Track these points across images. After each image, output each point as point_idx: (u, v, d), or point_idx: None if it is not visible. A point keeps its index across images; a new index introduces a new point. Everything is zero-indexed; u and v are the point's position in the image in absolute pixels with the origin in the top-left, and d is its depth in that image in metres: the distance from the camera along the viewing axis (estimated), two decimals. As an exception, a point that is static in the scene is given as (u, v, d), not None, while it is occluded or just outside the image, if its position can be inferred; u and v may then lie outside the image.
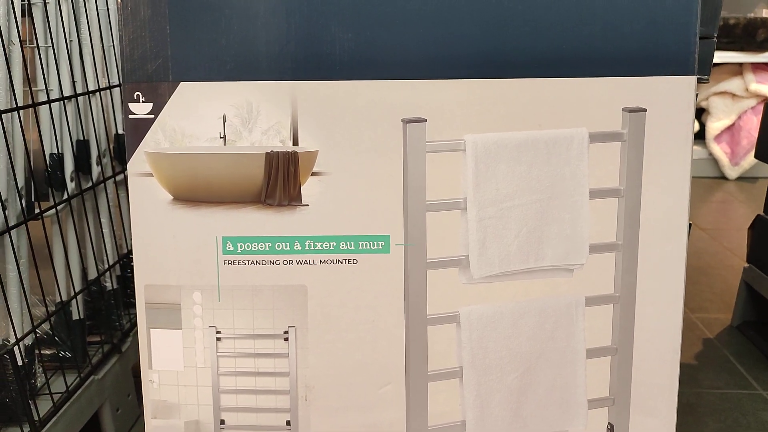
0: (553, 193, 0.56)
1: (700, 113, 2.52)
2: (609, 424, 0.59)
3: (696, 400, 1.01)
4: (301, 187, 0.55)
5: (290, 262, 0.56)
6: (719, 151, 2.44)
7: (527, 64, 0.54)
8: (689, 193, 0.56)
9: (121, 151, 0.98)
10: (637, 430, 0.58)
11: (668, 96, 0.54)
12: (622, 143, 0.55)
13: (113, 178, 0.97)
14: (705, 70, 0.62)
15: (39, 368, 0.81)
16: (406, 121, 0.54)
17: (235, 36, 0.54)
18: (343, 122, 0.54)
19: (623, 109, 0.54)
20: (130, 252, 1.02)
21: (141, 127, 0.55)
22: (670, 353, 0.58)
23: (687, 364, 1.11)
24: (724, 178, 2.45)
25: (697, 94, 0.57)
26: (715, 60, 2.30)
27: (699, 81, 0.58)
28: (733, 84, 2.39)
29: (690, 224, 0.59)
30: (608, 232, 0.57)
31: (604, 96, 0.54)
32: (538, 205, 0.56)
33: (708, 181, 2.42)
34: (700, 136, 2.48)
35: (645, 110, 0.54)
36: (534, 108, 0.54)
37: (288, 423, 0.58)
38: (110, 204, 0.96)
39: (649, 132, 0.55)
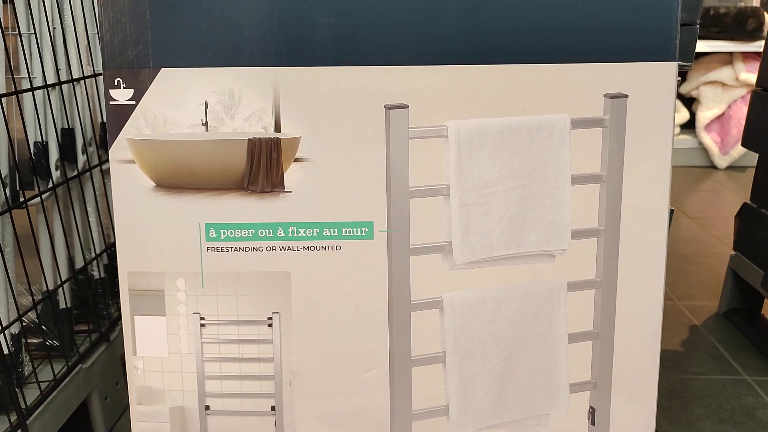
0: (535, 179, 0.56)
1: (691, 102, 2.52)
2: (591, 407, 0.60)
3: (681, 386, 1.02)
4: (284, 174, 0.55)
5: (273, 248, 0.56)
6: (709, 140, 2.45)
7: (510, 50, 0.54)
8: (670, 179, 0.56)
9: (106, 139, 0.98)
10: (618, 413, 0.59)
11: (650, 82, 0.55)
12: (604, 129, 0.55)
13: (99, 167, 0.96)
14: (687, 56, 0.62)
15: (26, 357, 0.81)
16: (389, 107, 0.54)
17: (217, 21, 0.53)
18: (326, 108, 0.54)
19: (605, 95, 0.55)
20: (117, 241, 1.01)
21: (122, 114, 0.54)
22: (651, 338, 0.58)
23: (673, 351, 1.12)
24: (713, 167, 2.46)
25: (681, 81, 0.57)
26: (706, 49, 2.31)
27: (681, 67, 0.58)
28: (724, 73, 2.39)
29: (672, 210, 0.59)
30: (590, 218, 0.57)
31: (586, 82, 0.54)
32: (520, 191, 0.56)
33: (697, 170, 2.43)
34: (690, 126, 2.49)
35: (626, 96, 0.55)
36: (517, 94, 0.55)
37: (273, 408, 0.58)
38: (96, 193, 0.96)
39: (631, 118, 0.55)
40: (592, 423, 0.59)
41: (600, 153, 0.56)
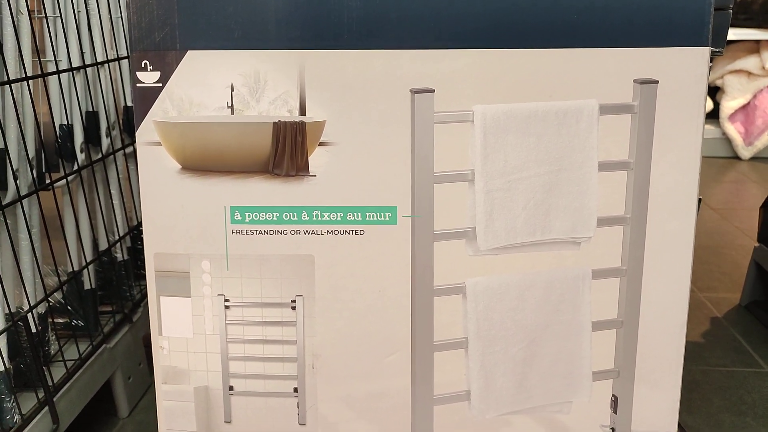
0: (561, 166, 0.55)
1: (715, 92, 2.48)
2: (613, 395, 0.59)
3: (702, 377, 1.01)
4: (309, 158, 0.55)
5: (298, 232, 0.56)
6: (733, 130, 2.41)
7: (538, 35, 0.53)
8: (699, 168, 0.55)
9: (130, 123, 0.99)
10: (641, 402, 0.59)
11: (681, 68, 0.54)
12: (633, 116, 0.54)
13: (122, 151, 0.97)
14: (719, 41, 0.61)
15: (52, 336, 0.82)
16: (414, 92, 0.54)
17: (243, 4, 0.53)
18: (351, 92, 0.54)
19: (634, 81, 0.54)
20: (140, 224, 1.03)
21: (149, 96, 0.55)
22: (676, 327, 0.58)
23: (694, 342, 1.11)
24: (737, 158, 2.42)
25: (710, 68, 0.56)
26: (732, 37, 2.26)
27: (713, 53, 0.57)
28: (750, 62, 2.34)
29: (700, 199, 0.58)
30: (617, 206, 0.56)
31: (615, 67, 0.54)
32: (546, 178, 0.55)
33: (721, 161, 2.39)
34: (713, 116, 2.45)
35: (657, 82, 0.54)
36: (544, 79, 0.54)
37: (295, 390, 0.59)
38: (120, 176, 0.97)
39: (661, 104, 0.54)
40: (615, 411, 0.59)
41: (628, 140, 0.55)
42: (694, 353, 1.07)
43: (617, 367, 0.59)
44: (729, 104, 2.40)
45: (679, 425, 0.66)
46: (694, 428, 0.88)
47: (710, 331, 1.15)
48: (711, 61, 0.55)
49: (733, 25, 2.24)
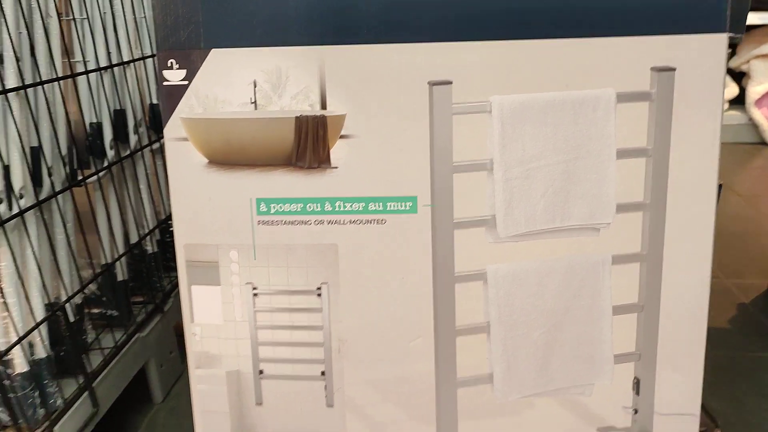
0: (579, 154, 0.56)
1: (741, 77, 2.42)
2: (635, 378, 0.60)
3: (728, 363, 1.01)
4: (330, 150, 0.57)
5: (321, 222, 0.58)
6: (760, 115, 2.36)
7: (554, 25, 0.54)
8: (719, 153, 0.56)
9: (155, 120, 1.01)
10: (663, 384, 0.60)
11: (699, 55, 0.54)
12: (651, 103, 0.55)
13: (149, 147, 1.00)
14: (738, 27, 0.60)
15: (89, 326, 0.86)
16: (432, 84, 0.55)
17: (264, 2, 0.55)
18: (371, 86, 0.55)
19: (652, 69, 0.54)
20: (168, 218, 1.06)
21: (175, 94, 0.57)
22: (697, 310, 0.58)
23: (721, 329, 1.10)
24: (764, 143, 2.37)
25: (731, 54, 0.56)
26: (757, 21, 2.21)
27: (732, 39, 0.57)
28: (777, 44, 2.29)
29: (720, 185, 0.58)
30: (636, 192, 0.57)
31: (632, 56, 0.54)
32: (564, 166, 0.56)
33: (747, 146, 2.35)
34: (739, 101, 2.40)
35: (674, 69, 0.54)
36: (561, 69, 0.54)
37: (323, 373, 0.61)
38: (147, 171, 1.00)
39: (679, 92, 0.54)
40: (637, 393, 0.60)
41: (646, 127, 0.55)
42: (720, 339, 1.07)
43: (639, 350, 0.60)
44: (755, 89, 2.35)
45: (704, 408, 0.66)
46: (719, 412, 0.88)
47: (736, 317, 1.15)
48: (730, 48, 0.55)
49: (759, 9, 2.19)
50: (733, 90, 2.41)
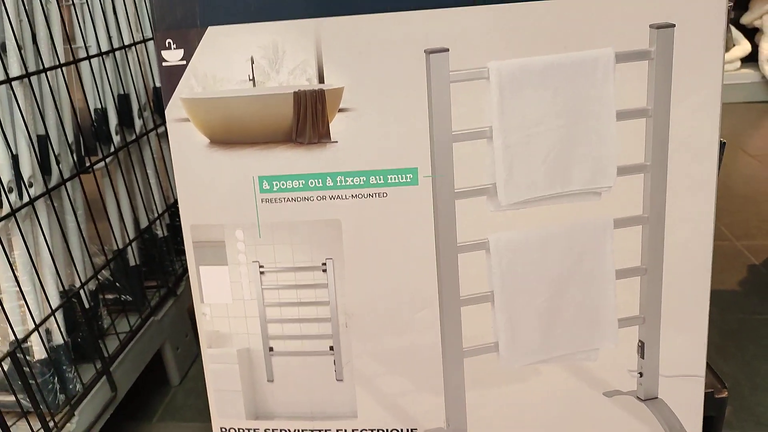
0: (579, 117, 0.56)
1: (753, 33, 2.37)
2: (640, 341, 0.60)
3: (738, 326, 1.00)
4: (330, 124, 0.57)
5: (324, 197, 0.58)
6: (774, 73, 2.30)
7: (550, -14, 0.53)
8: (720, 110, 0.55)
9: (159, 103, 1.02)
10: (668, 346, 0.60)
11: (698, 10, 0.53)
12: (650, 62, 0.54)
13: (155, 131, 1.00)
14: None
15: (104, 311, 0.88)
16: (429, 52, 0.54)
17: (257, -23, 0.54)
18: (367, 57, 0.55)
19: (650, 26, 0.53)
20: (177, 201, 1.07)
21: (174, 74, 0.57)
22: (700, 270, 0.58)
23: (731, 291, 1.10)
24: (778, 102, 2.32)
25: (745, 9, 0.55)
26: (770, -26, 2.14)
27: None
28: (790, 0, 2.22)
29: (723, 142, 0.58)
30: (637, 154, 0.56)
31: (630, 13, 0.53)
32: (564, 130, 0.56)
33: (761, 105, 2.30)
34: (752, 59, 2.34)
35: (673, 26, 0.53)
36: (559, 30, 0.54)
37: (331, 348, 0.62)
38: (154, 156, 1.01)
39: (678, 48, 0.53)
40: (642, 356, 0.60)
41: (646, 86, 0.55)
42: (730, 301, 1.06)
43: (643, 314, 0.60)
44: (768, 46, 2.29)
45: (711, 369, 0.66)
46: (729, 375, 0.88)
47: (747, 279, 1.14)
48: (741, 3, 0.54)
49: (771, -38, 2.12)
50: (745, 47, 2.35)
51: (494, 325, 0.59)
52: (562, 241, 0.58)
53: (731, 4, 0.54)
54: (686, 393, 0.61)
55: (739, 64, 2.38)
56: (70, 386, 0.76)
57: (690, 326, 0.59)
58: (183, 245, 1.05)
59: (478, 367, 0.61)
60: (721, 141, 0.55)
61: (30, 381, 0.70)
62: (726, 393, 0.66)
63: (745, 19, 2.33)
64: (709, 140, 0.55)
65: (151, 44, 1.00)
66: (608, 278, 0.59)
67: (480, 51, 0.54)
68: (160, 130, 1.02)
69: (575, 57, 0.54)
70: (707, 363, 0.61)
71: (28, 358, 0.72)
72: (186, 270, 1.06)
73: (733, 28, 2.31)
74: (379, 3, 0.54)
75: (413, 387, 0.62)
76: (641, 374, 0.61)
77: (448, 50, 0.54)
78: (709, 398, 0.62)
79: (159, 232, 1.01)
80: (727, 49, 2.27)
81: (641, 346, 0.60)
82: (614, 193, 0.57)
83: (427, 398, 0.62)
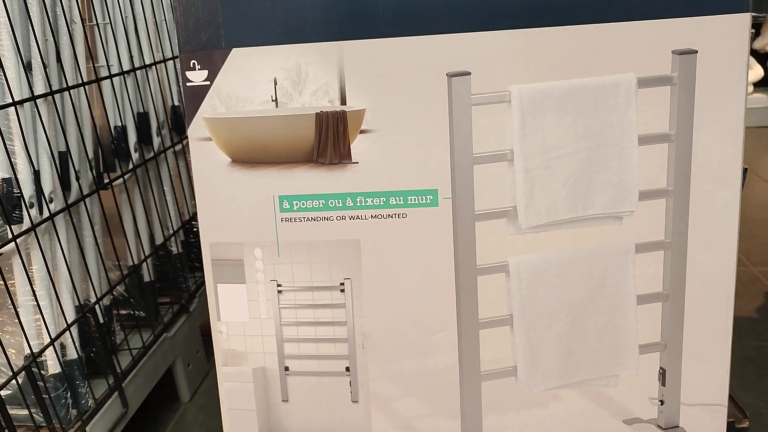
0: (600, 141, 0.56)
1: (766, 58, 2.37)
2: (661, 368, 0.59)
3: (756, 353, 0.99)
4: (351, 145, 0.57)
5: (343, 217, 0.58)
6: (786, 98, 2.30)
7: (571, 11, 0.54)
8: (743, 137, 0.55)
9: (178, 122, 1.03)
10: (690, 374, 0.59)
11: (721, 36, 0.53)
12: (672, 87, 0.54)
13: (172, 149, 1.01)
14: (762, 6, 0.59)
15: (117, 326, 0.88)
16: (451, 75, 0.55)
17: (282, 0, 0.55)
18: (389, 79, 0.55)
19: (673, 52, 0.53)
20: (192, 218, 1.07)
21: (198, 94, 0.58)
22: (723, 299, 0.57)
23: (748, 318, 1.08)
24: (791, 127, 2.32)
25: (755, 35, 0.55)
26: (783, 0, 2.15)
27: (755, 19, 0.56)
28: (803, 25, 2.23)
29: (745, 169, 0.57)
30: (659, 179, 0.56)
31: (652, 40, 0.53)
32: (585, 154, 0.56)
33: (774, 130, 2.29)
34: (765, 84, 2.35)
35: (696, 52, 0.53)
36: (580, 55, 0.54)
37: (347, 369, 0.61)
38: (171, 173, 1.01)
39: (701, 75, 0.54)
40: (663, 384, 0.59)
41: (668, 112, 0.55)
42: (748, 328, 1.05)
43: (664, 340, 0.59)
44: (781, 71, 2.29)
45: (732, 399, 0.65)
46: (748, 404, 0.87)
47: (764, 305, 1.12)
48: (754, 28, 0.54)
49: (784, -12, 2.13)
50: (758, 72, 2.35)
51: (513, 348, 0.59)
52: (583, 265, 0.57)
53: (753, 31, 0.55)
54: (708, 422, 0.60)
55: (752, 88, 2.38)
56: (83, 401, 0.76)
57: (712, 354, 0.58)
58: (197, 262, 1.06)
59: (496, 391, 0.60)
60: (743, 167, 0.55)
61: (43, 395, 0.70)
62: (747, 423, 0.65)
63: (757, 44, 2.33)
64: (731, 166, 0.55)
65: (170, 64, 1.02)
66: (629, 303, 0.58)
67: (501, 75, 0.55)
68: (178, 147, 1.03)
69: (596, 82, 0.54)
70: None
71: (42, 372, 0.72)
72: (199, 287, 1.06)
73: (745, 53, 2.31)
74: (401, 27, 0.55)
75: (430, 410, 0.61)
76: (662, 402, 0.60)
77: (469, 74, 0.55)
78: (730, 428, 0.61)
79: (174, 249, 1.01)
80: (740, 73, 2.27)
81: (662, 374, 0.59)
82: (636, 217, 0.57)
83: (443, 422, 0.61)
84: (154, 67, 0.96)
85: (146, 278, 0.94)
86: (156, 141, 0.96)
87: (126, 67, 0.89)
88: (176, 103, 1.03)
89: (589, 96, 0.55)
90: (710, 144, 0.55)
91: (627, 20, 0.53)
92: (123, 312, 0.91)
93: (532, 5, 0.54)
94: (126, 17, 0.90)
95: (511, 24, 0.54)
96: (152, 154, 0.95)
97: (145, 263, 0.93)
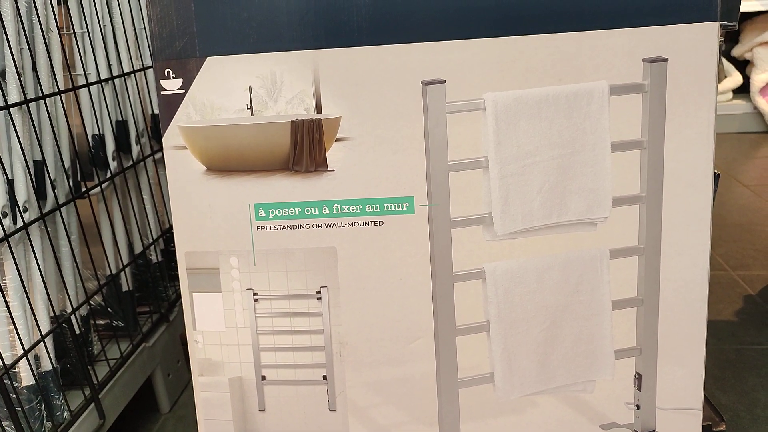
0: (574, 148, 0.56)
1: (744, 65, 2.41)
2: (637, 373, 0.60)
3: (735, 356, 1.00)
4: (326, 153, 0.57)
5: (319, 225, 0.58)
6: (765, 104, 2.34)
7: (545, 19, 0.54)
8: (714, 142, 0.55)
9: (157, 130, 1.02)
10: (665, 378, 0.59)
11: (691, 44, 0.54)
12: (644, 94, 0.55)
13: (152, 157, 1.01)
14: (731, 15, 0.60)
15: (95, 337, 0.87)
16: (426, 83, 0.55)
17: (257, 8, 0.55)
18: (365, 88, 0.56)
19: (644, 60, 0.54)
20: (172, 227, 1.07)
21: (173, 103, 0.57)
22: (697, 302, 0.58)
23: (728, 321, 1.10)
24: (770, 132, 2.36)
25: (728, 42, 0.56)
26: (761, 8, 2.20)
27: (725, 27, 0.57)
28: (780, 33, 2.27)
29: (717, 174, 0.58)
30: (632, 185, 0.57)
31: (624, 48, 0.54)
32: (559, 161, 0.56)
33: (753, 136, 2.33)
34: (744, 90, 2.38)
35: (666, 60, 0.54)
36: (553, 63, 0.55)
37: (324, 377, 0.61)
38: (150, 182, 1.01)
39: (672, 82, 0.54)
40: (639, 388, 0.60)
41: (640, 119, 0.55)
42: (727, 332, 1.06)
43: (639, 345, 0.59)
44: (759, 77, 2.33)
45: (709, 402, 0.66)
46: (728, 407, 0.87)
47: (743, 309, 1.14)
48: (733, 36, 0.55)
49: (761, -4, 2.17)
50: (737, 79, 2.39)
51: (490, 355, 0.59)
52: (559, 272, 0.58)
53: (722, 38, 0.56)
54: (683, 426, 0.60)
55: (731, 95, 2.42)
56: (57, 413, 0.74)
57: (687, 358, 0.59)
58: (177, 271, 1.05)
59: (474, 398, 0.60)
60: (715, 173, 0.56)
61: (16, 408, 0.69)
62: (724, 426, 0.65)
63: (736, 52, 2.37)
64: (703, 172, 0.56)
65: (150, 72, 1.01)
66: (605, 309, 0.58)
67: (476, 83, 0.55)
68: (157, 156, 1.03)
69: (570, 89, 0.55)
70: (705, 396, 0.60)
71: (15, 384, 0.71)
72: (179, 296, 1.05)
73: (724, 60, 2.35)
74: (376, 36, 0.55)
75: (407, 418, 0.61)
76: (638, 407, 0.60)
77: (444, 82, 0.55)
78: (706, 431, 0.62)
79: (153, 258, 1.00)
80: (719, 80, 2.31)
81: (638, 378, 0.60)
82: (611, 223, 0.57)
83: (421, 430, 0.61)
84: (133, 75, 0.96)
85: (125, 288, 0.93)
86: (135, 149, 0.96)
87: (104, 75, 0.88)
88: (156, 111, 1.03)
89: (563, 103, 0.55)
90: (682, 150, 0.56)
91: (599, 29, 0.54)
92: (101, 322, 0.90)
93: (506, 14, 0.54)
94: (104, 25, 0.90)
95: (485, 33, 0.54)
96: (131, 163, 0.94)
97: (123, 273, 0.92)
